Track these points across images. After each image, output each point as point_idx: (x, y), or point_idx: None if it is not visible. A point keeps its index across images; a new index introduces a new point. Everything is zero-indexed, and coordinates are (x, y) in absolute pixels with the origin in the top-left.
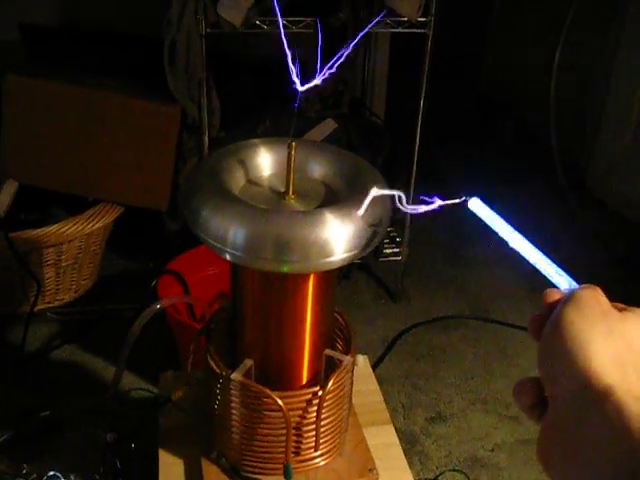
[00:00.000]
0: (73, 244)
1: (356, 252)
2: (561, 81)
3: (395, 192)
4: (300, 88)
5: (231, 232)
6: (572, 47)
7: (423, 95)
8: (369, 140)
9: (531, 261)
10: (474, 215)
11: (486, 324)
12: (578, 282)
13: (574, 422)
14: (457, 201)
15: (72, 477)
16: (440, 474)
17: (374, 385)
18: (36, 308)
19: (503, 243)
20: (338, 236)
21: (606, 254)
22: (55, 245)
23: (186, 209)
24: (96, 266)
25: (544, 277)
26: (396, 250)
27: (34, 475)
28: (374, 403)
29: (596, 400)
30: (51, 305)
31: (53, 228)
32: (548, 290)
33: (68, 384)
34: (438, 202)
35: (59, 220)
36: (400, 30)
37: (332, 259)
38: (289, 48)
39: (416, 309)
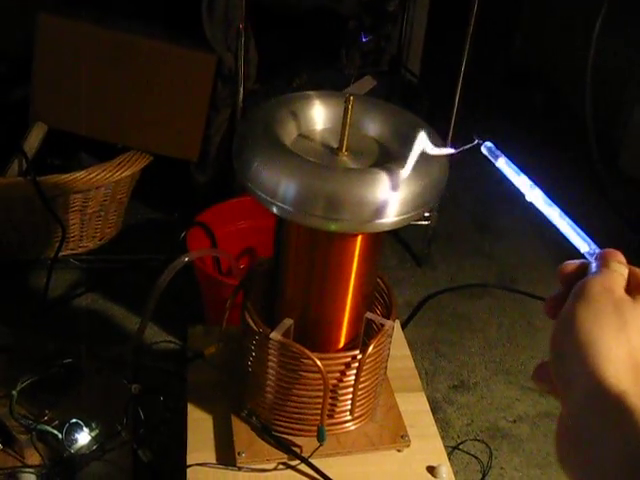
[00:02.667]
0: (100, 191)
1: (409, 215)
2: (600, 50)
3: (445, 150)
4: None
5: (282, 185)
6: (613, 15)
7: (465, 57)
8: (407, 100)
9: (549, 218)
10: (502, 182)
11: (512, 294)
12: (598, 246)
13: (586, 427)
14: (470, 146)
15: (93, 425)
16: (461, 442)
17: (406, 351)
18: (60, 254)
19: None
20: (393, 198)
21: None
22: (82, 191)
23: (236, 159)
24: (121, 215)
25: (572, 249)
26: (426, 214)
27: (56, 421)
28: (406, 369)
29: (608, 407)
30: (75, 252)
31: (81, 174)
32: (565, 263)
33: (90, 332)
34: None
35: (87, 166)
36: None
37: (384, 221)
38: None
39: (442, 275)
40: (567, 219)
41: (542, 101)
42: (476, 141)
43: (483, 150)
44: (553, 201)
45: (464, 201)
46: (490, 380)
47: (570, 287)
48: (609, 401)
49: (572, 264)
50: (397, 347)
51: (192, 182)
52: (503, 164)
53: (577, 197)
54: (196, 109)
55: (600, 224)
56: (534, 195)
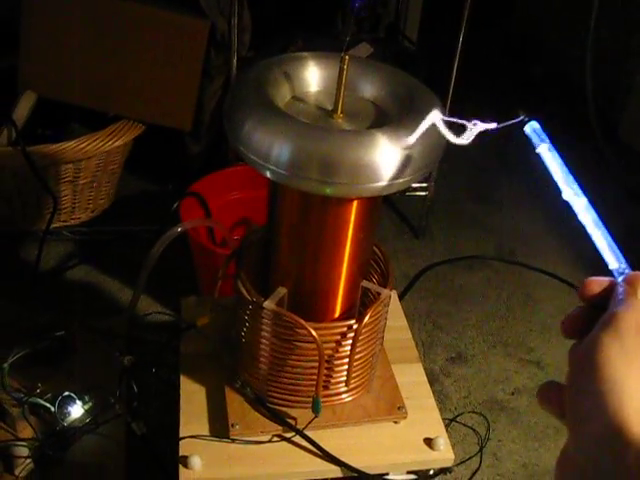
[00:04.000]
0: (91, 161)
1: (406, 179)
2: (600, 21)
3: (459, 120)
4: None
5: (275, 148)
6: None
7: (464, 25)
8: (404, 67)
9: (584, 223)
10: (501, 153)
11: (510, 266)
12: (629, 264)
13: (597, 468)
14: (515, 121)
15: (87, 398)
16: (458, 415)
17: (403, 321)
18: (52, 226)
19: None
20: (389, 160)
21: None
22: (73, 162)
23: (227, 121)
24: (114, 186)
25: (573, 223)
26: (423, 185)
27: (48, 395)
28: (403, 340)
29: (626, 453)
30: (67, 224)
31: (72, 144)
32: (588, 280)
33: (83, 304)
34: (492, 125)
35: (78, 136)
36: None
37: (380, 184)
38: None
39: (439, 247)
40: (602, 229)
41: (541, 72)
42: (521, 117)
43: (527, 130)
44: (593, 207)
45: (462, 172)
46: (488, 352)
47: (592, 308)
48: (628, 447)
49: (597, 283)
50: (394, 318)
51: (186, 152)
52: (546, 151)
53: (577, 166)
54: (189, 77)
55: (600, 193)
56: (571, 195)
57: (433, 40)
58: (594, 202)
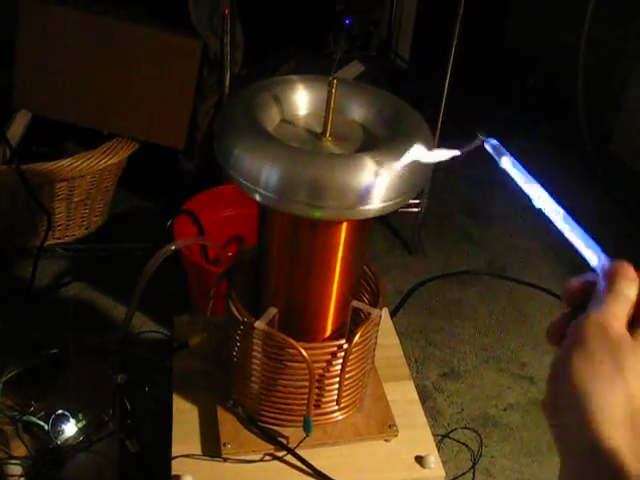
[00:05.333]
0: (85, 179)
1: (394, 202)
2: (593, 33)
3: (443, 154)
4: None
5: (264, 172)
6: (606, 3)
7: (455, 40)
8: (395, 85)
9: (558, 225)
10: (494, 167)
11: (502, 281)
12: (608, 256)
13: (574, 466)
14: (476, 143)
15: (80, 416)
16: (451, 431)
17: (395, 339)
18: (46, 243)
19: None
20: (377, 183)
21: (627, 218)
22: (67, 179)
23: (218, 145)
24: (107, 203)
25: (565, 238)
26: (416, 201)
27: (42, 413)
28: (394, 358)
29: (603, 464)
30: (61, 241)
31: (66, 162)
32: (569, 280)
33: (76, 322)
34: (456, 152)
35: (72, 154)
36: None
37: (369, 207)
38: None
39: (432, 262)
40: (577, 228)
41: (533, 85)
42: (480, 138)
43: (487, 148)
44: (565, 209)
45: (454, 187)
46: (481, 368)
47: (575, 309)
48: (603, 458)
49: (576, 281)
50: (385, 335)
51: (179, 169)
52: (508, 164)
53: (568, 179)
54: (182, 95)
55: (590, 205)
56: (541, 200)
57: (425, 57)
58: (585, 214)
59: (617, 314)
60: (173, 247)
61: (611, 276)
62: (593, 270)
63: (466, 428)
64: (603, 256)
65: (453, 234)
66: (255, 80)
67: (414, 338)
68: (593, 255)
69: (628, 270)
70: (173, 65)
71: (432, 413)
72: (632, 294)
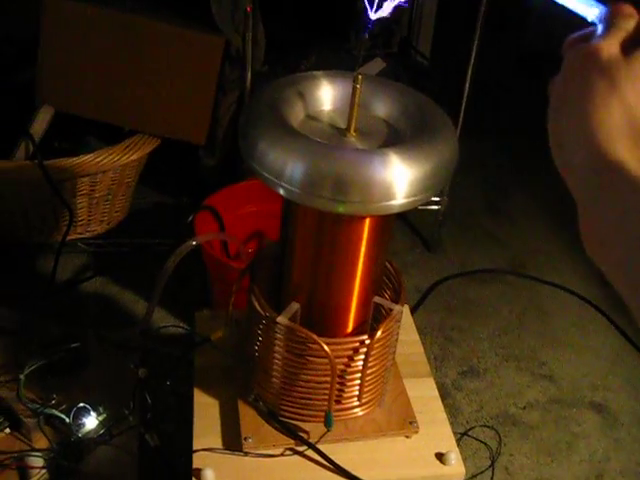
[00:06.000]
0: (107, 175)
1: (418, 198)
2: None
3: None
4: (373, 16)
5: (289, 166)
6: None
7: (477, 40)
8: (416, 82)
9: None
10: (515, 164)
11: (523, 280)
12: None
13: (593, 202)
14: None
15: (101, 410)
16: (470, 429)
17: (415, 335)
18: (67, 238)
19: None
20: (402, 179)
21: None
22: (89, 175)
23: (242, 140)
24: (129, 199)
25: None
26: (436, 199)
27: (63, 406)
28: (415, 354)
29: (609, 178)
30: (82, 236)
31: (88, 157)
32: (567, 39)
33: (98, 316)
34: None
35: (93, 149)
36: None
37: (393, 203)
38: None
39: (452, 260)
40: None
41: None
42: None
43: None
44: None
45: (476, 185)
46: (500, 366)
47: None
48: (612, 171)
49: (576, 34)
50: (406, 332)
51: (200, 165)
52: None
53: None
54: (204, 92)
55: None
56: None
57: (446, 54)
58: None
59: (609, 42)
60: (194, 242)
61: (608, 16)
62: (593, 24)
63: (485, 426)
64: (602, 6)
65: (473, 232)
66: (276, 77)
67: (433, 336)
68: (591, 8)
69: (626, 7)
70: (195, 62)
71: (451, 411)
72: (628, 26)
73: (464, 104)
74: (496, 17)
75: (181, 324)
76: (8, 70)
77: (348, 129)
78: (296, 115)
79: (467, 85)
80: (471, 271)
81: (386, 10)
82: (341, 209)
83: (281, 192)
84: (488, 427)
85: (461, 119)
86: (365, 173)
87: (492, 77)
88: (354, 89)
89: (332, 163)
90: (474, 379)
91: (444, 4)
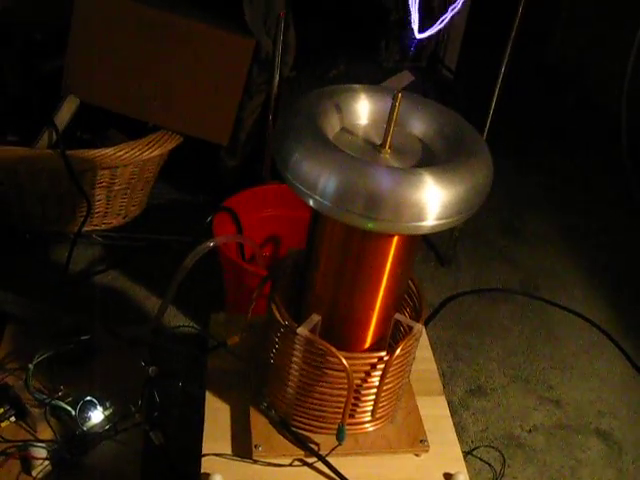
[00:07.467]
0: (128, 169)
1: (449, 220)
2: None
3: None
4: (419, 35)
5: (322, 179)
6: None
7: (506, 58)
8: (443, 96)
9: None
10: (538, 188)
11: (534, 302)
12: None
13: None
14: None
15: (107, 404)
16: (475, 448)
17: (429, 352)
18: (83, 229)
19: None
20: (434, 201)
21: None
22: (110, 168)
23: (276, 149)
24: (147, 194)
25: (600, 262)
26: None
27: (70, 398)
28: (428, 372)
29: None
30: (98, 228)
31: (110, 150)
32: None
33: (109, 310)
34: None
35: (114, 142)
36: None
37: (424, 224)
38: None
39: (464, 277)
40: None
41: (574, 101)
42: None
43: None
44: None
45: (492, 204)
46: (508, 387)
47: None
48: None
49: None
50: (420, 349)
51: (221, 166)
52: None
53: (604, 199)
54: (230, 93)
55: (625, 228)
56: None
57: (472, 69)
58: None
59: None
60: (212, 243)
61: None
62: None
63: (490, 447)
64: None
65: (487, 250)
66: (304, 82)
67: (442, 352)
68: None
69: None
70: (224, 62)
71: (457, 429)
72: None
73: (489, 121)
74: (521, 31)
75: (191, 324)
76: (37, 58)
77: (383, 145)
78: (332, 127)
79: (493, 103)
80: (483, 289)
81: (434, 30)
82: (370, 226)
83: (311, 204)
84: (493, 448)
85: (485, 135)
86: (398, 192)
87: (512, 93)
88: (393, 106)
89: (366, 180)
90: (481, 398)
91: (473, 19)
